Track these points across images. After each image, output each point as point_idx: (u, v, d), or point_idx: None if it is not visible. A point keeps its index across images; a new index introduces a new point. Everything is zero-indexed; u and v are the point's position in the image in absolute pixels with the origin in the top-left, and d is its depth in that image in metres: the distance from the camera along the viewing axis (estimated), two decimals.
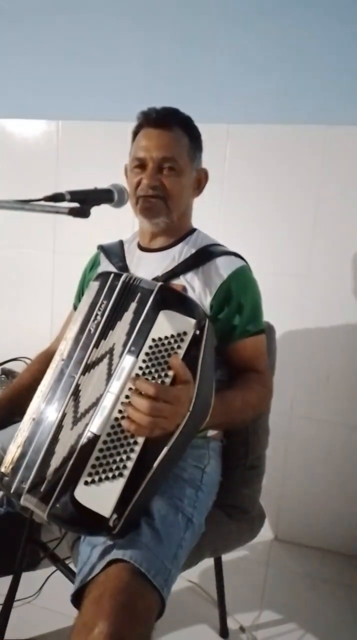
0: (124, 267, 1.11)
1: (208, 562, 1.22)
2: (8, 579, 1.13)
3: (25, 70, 1.84)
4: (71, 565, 1.05)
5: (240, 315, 1.03)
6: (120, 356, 0.81)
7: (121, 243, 1.20)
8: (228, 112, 1.63)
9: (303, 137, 1.59)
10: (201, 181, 1.13)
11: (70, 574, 1.06)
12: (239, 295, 1.03)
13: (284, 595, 1.55)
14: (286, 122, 1.59)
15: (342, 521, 1.74)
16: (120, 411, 0.77)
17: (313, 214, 1.62)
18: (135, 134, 1.09)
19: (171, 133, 1.04)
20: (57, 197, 0.78)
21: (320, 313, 1.65)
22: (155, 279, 1.01)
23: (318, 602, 1.54)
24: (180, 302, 0.83)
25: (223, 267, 1.04)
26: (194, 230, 1.15)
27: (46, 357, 1.15)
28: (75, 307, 1.26)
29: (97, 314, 0.86)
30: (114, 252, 1.16)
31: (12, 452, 0.84)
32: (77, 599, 0.79)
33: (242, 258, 1.09)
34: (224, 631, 1.37)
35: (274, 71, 1.59)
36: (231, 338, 1.04)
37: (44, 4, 1.78)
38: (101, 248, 1.20)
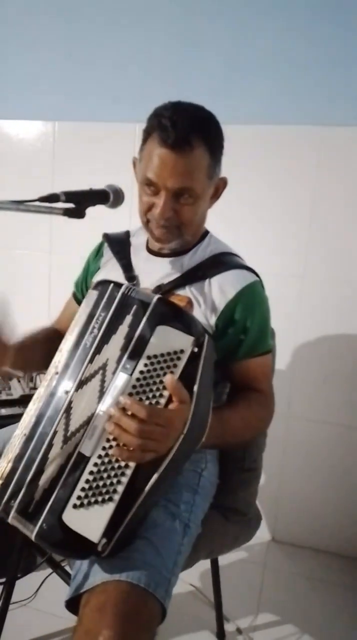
0: (128, 265, 1.06)
1: (205, 564, 1.22)
2: (4, 582, 1.12)
3: (21, 72, 1.83)
4: (67, 568, 1.05)
5: (245, 336, 0.99)
6: (114, 373, 0.77)
7: (127, 236, 1.13)
8: (223, 112, 1.60)
9: (298, 138, 1.59)
10: (218, 189, 1.03)
11: (67, 577, 1.06)
12: (245, 317, 0.98)
13: (281, 597, 1.55)
14: (282, 122, 1.59)
15: (340, 522, 1.74)
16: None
17: (309, 214, 1.62)
18: (148, 135, 0.94)
19: (190, 158, 0.90)
20: (52, 198, 0.78)
21: (316, 314, 1.65)
22: (160, 287, 0.98)
23: (316, 603, 1.54)
24: (177, 318, 0.79)
25: (231, 284, 0.98)
26: (206, 233, 1.09)
27: (48, 333, 1.15)
28: (75, 296, 1.22)
29: (94, 327, 0.82)
30: (120, 246, 1.10)
31: (3, 467, 0.81)
32: (71, 603, 0.78)
33: (254, 272, 1.03)
34: (221, 633, 1.37)
35: (269, 72, 1.59)
36: (235, 357, 1.00)
37: (40, 6, 1.77)
38: (106, 237, 1.14)
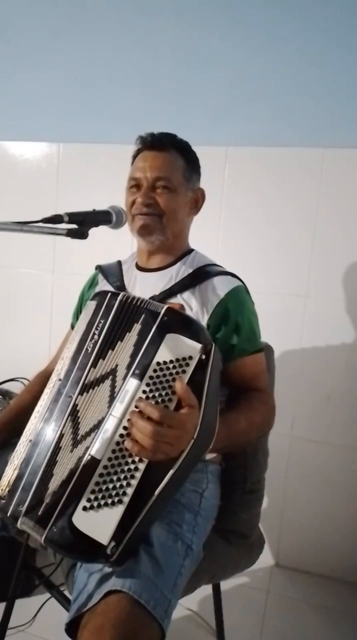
0: (121, 287, 1.11)
1: (207, 589, 1.19)
2: (1, 606, 1.10)
3: (27, 94, 1.87)
4: (66, 592, 1.03)
5: (238, 334, 1.03)
6: (124, 379, 0.80)
7: (119, 263, 1.20)
8: (227, 134, 1.65)
9: (300, 160, 1.61)
10: (198, 201, 1.14)
11: (65, 602, 1.03)
12: (236, 315, 1.03)
13: (285, 624, 1.51)
14: (284, 144, 1.62)
15: (345, 546, 1.71)
16: (121, 435, 0.76)
17: (311, 234, 1.63)
18: (134, 157, 1.12)
19: (166, 154, 1.07)
20: (55, 219, 0.79)
21: (319, 333, 1.65)
22: (153, 298, 1.01)
23: (320, 630, 1.50)
24: (186, 326, 0.82)
25: (220, 287, 1.04)
26: (191, 250, 1.16)
27: (44, 377, 1.14)
28: (72, 326, 1.26)
29: (94, 333, 0.86)
30: (112, 272, 1.17)
31: (9, 474, 0.82)
32: (71, 627, 0.77)
33: (238, 278, 1.10)
34: None
35: (272, 94, 1.62)
36: (230, 358, 1.03)
37: (45, 27, 1.82)
38: (99, 268, 1.21)
